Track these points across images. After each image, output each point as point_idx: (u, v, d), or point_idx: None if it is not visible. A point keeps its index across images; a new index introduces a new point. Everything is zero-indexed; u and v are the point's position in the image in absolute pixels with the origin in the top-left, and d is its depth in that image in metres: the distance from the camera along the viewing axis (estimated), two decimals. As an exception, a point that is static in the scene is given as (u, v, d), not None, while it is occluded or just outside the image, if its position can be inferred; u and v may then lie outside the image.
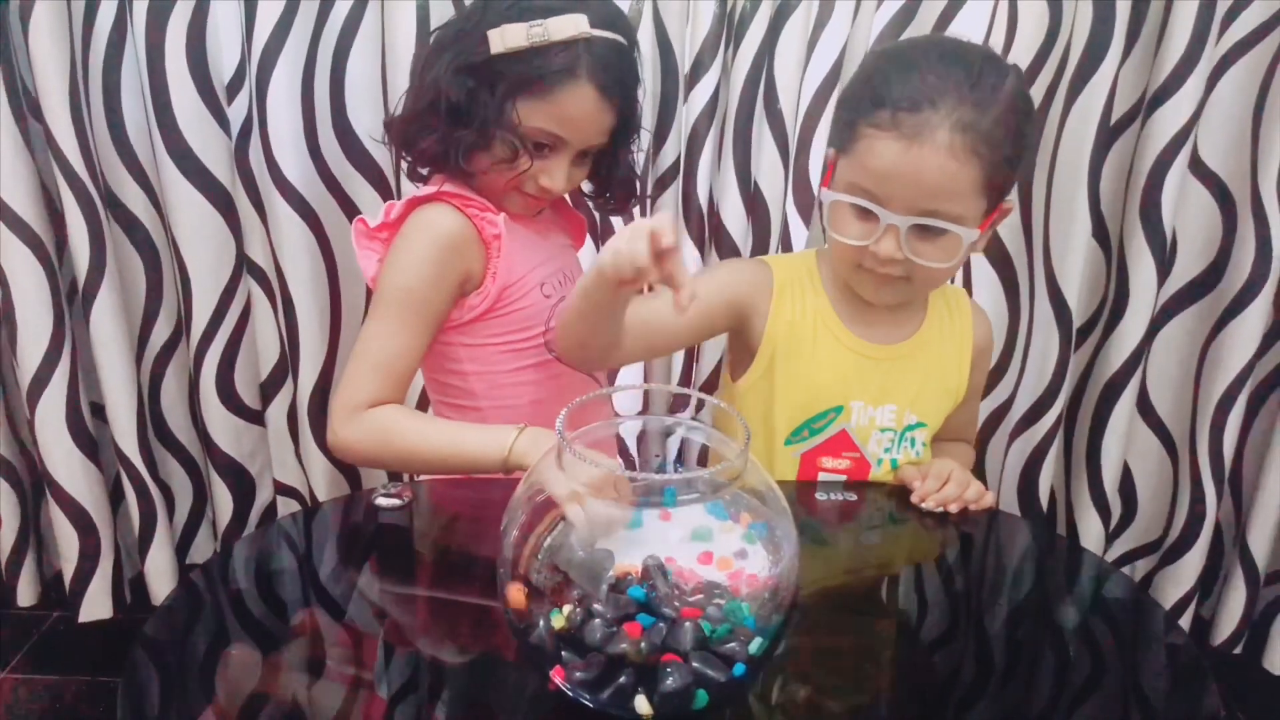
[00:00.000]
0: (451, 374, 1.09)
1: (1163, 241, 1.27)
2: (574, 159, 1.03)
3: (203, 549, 1.61)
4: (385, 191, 1.37)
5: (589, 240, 1.28)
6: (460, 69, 0.98)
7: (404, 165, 1.09)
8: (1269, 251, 1.25)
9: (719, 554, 0.70)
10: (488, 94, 0.98)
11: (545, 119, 0.98)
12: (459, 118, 0.99)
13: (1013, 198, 0.97)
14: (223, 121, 1.32)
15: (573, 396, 0.73)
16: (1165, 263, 1.31)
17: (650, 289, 1.02)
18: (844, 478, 1.06)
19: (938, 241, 0.91)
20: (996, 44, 1.28)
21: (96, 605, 1.47)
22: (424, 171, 1.09)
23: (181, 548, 1.57)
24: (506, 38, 0.96)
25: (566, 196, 1.24)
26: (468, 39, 0.98)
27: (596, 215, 1.38)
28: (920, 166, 0.87)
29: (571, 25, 0.96)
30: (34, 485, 1.53)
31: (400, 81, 1.25)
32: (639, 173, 1.17)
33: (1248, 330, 1.29)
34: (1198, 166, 1.30)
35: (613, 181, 1.11)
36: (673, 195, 1.34)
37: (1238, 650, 1.45)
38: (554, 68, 0.96)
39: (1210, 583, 1.52)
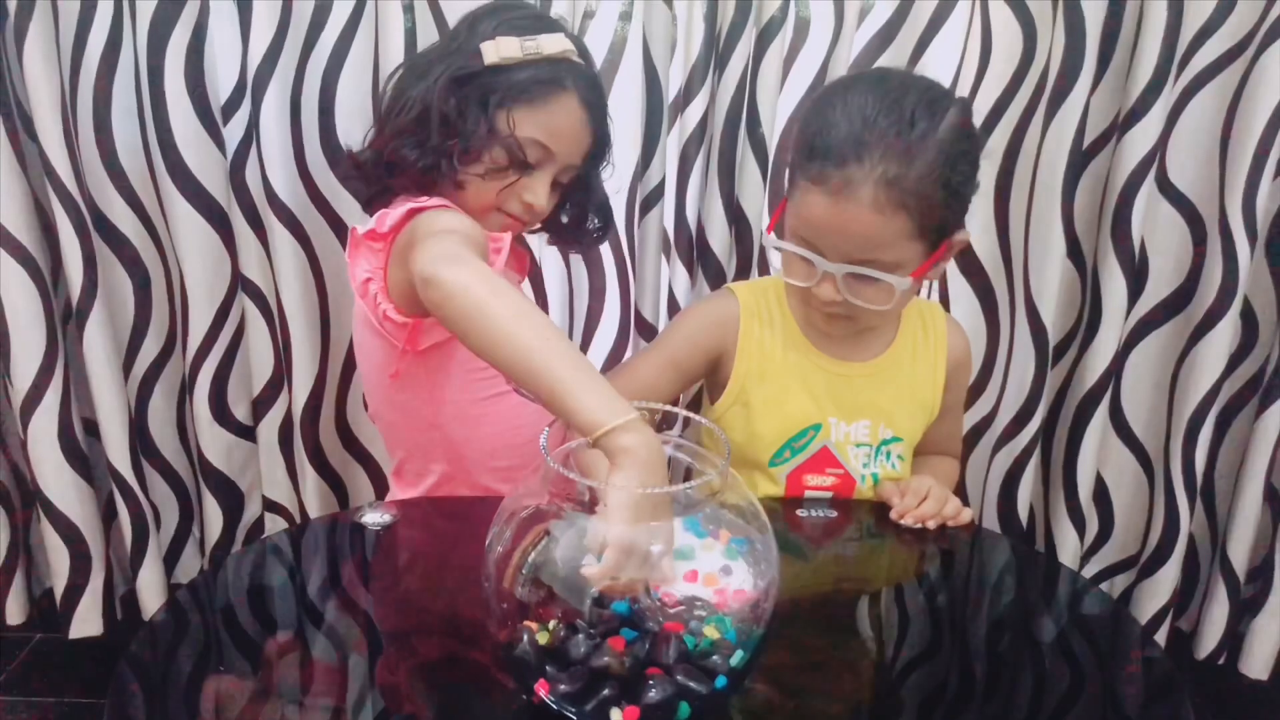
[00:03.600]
0: (422, 404, 1.07)
1: (1132, 261, 1.30)
2: (552, 183, 1.05)
3: (188, 566, 1.61)
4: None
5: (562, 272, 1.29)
6: (452, 81, 1.00)
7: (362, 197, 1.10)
8: (1236, 272, 1.28)
9: (704, 571, 0.71)
10: (479, 104, 1.00)
11: (536, 128, 1.01)
12: (449, 129, 1.01)
13: (965, 233, 0.98)
14: (219, 141, 1.34)
15: (546, 421, 0.74)
16: (1136, 282, 1.35)
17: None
18: (830, 494, 1.08)
19: (874, 286, 0.93)
20: (969, 71, 1.31)
21: (87, 622, 1.47)
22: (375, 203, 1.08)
23: (167, 565, 1.57)
24: (501, 49, 0.99)
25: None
26: (458, 55, 1.01)
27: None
28: (847, 221, 0.89)
29: (561, 43, 1.01)
30: (24, 503, 1.53)
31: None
32: (610, 201, 1.18)
33: (1217, 348, 1.32)
34: (1167, 189, 1.34)
35: (589, 207, 1.14)
36: (659, 217, 1.36)
37: (1220, 661, 1.48)
38: (545, 78, 1.00)
39: (1187, 596, 1.54)
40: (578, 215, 1.15)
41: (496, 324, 0.79)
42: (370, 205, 1.10)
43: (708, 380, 1.14)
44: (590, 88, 1.03)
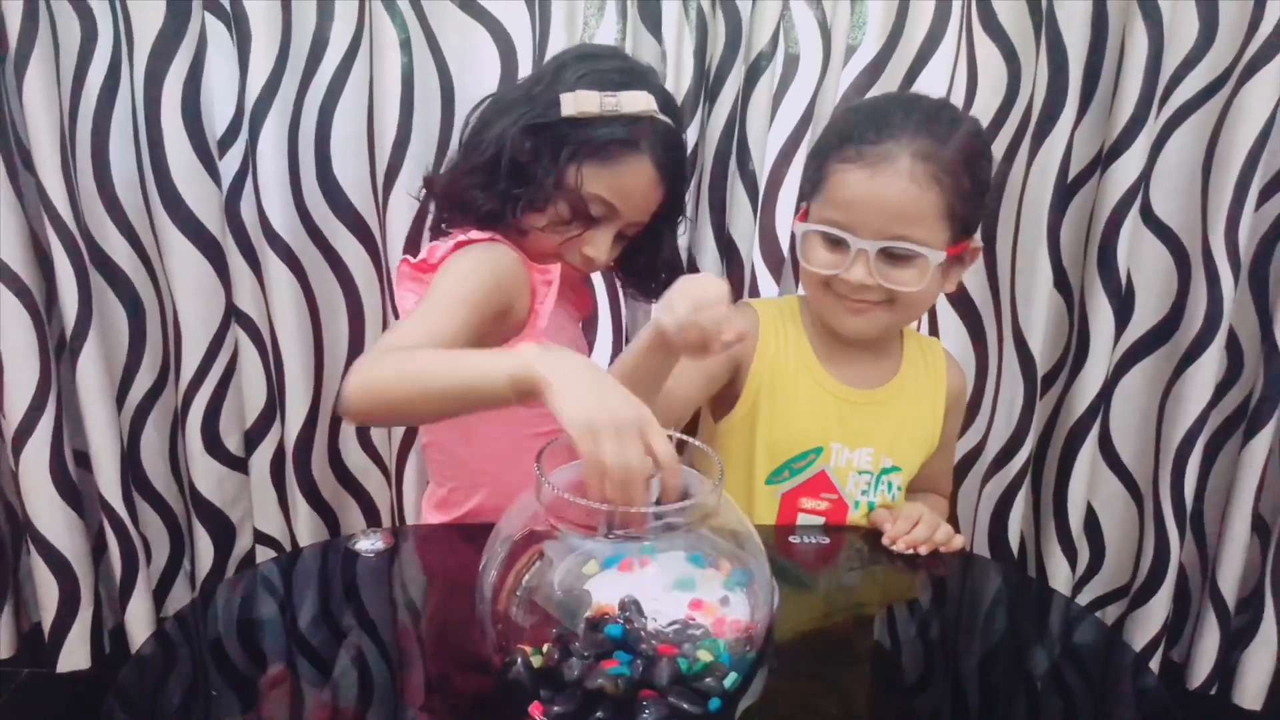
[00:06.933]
0: (458, 443, 1.08)
1: (1119, 292, 1.32)
2: (617, 234, 1.05)
3: (178, 600, 1.60)
4: (370, 244, 1.41)
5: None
6: (528, 128, 1.00)
7: (432, 217, 1.12)
8: (1220, 302, 1.30)
9: (704, 600, 0.72)
10: (551, 155, 1.00)
11: (604, 187, 1.01)
12: (519, 175, 1.00)
13: (979, 240, 1.03)
14: (214, 174, 1.35)
15: None
16: (1123, 312, 1.36)
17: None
18: (822, 519, 1.08)
19: (907, 265, 0.96)
20: (956, 104, 1.33)
21: (75, 655, 1.46)
22: (444, 228, 1.10)
23: (157, 598, 1.56)
24: (580, 102, 0.99)
25: None
26: (538, 100, 1.01)
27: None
28: (884, 192, 0.93)
29: (642, 101, 1.00)
30: (13, 535, 1.52)
31: (385, 137, 1.29)
32: (683, 259, 1.18)
33: (1203, 377, 1.34)
34: (1151, 220, 1.36)
35: (658, 264, 1.13)
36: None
37: (1213, 691, 1.47)
38: (620, 137, 0.99)
39: (1178, 626, 1.54)
40: (645, 268, 1.15)
41: (396, 385, 0.81)
42: (435, 230, 1.13)
43: (719, 392, 1.14)
44: (666, 149, 1.02)
